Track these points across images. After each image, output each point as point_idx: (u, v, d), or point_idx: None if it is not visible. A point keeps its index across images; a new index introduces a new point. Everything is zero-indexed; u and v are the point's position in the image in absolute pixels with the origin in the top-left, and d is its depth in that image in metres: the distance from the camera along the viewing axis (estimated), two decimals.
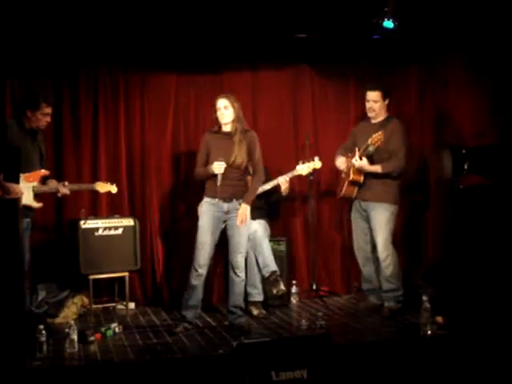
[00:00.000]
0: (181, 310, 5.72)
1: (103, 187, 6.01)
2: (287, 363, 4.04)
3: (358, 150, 5.93)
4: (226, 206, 5.57)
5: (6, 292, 4.60)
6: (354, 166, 5.95)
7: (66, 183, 5.81)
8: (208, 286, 6.03)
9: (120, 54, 6.63)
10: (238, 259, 5.59)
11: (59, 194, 5.76)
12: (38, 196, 5.64)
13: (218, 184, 5.47)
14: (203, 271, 5.57)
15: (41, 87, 6.40)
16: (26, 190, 5.50)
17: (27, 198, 5.52)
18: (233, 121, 5.55)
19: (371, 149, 5.90)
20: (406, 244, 6.94)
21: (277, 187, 6.47)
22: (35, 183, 5.61)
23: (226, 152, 5.51)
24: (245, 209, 5.53)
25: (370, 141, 5.82)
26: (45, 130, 5.78)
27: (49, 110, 5.65)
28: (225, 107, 5.53)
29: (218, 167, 5.45)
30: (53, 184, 5.74)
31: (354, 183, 6.07)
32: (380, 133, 5.81)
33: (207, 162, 5.61)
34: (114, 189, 6.06)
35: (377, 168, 5.93)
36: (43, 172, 5.70)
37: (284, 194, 6.50)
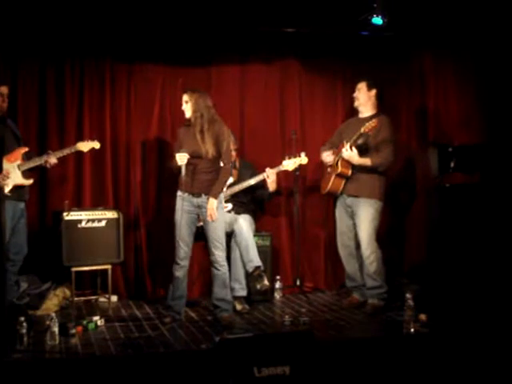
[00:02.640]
0: (167, 302, 5.74)
1: (86, 146, 6.00)
2: (270, 359, 4.01)
3: (347, 143, 5.93)
4: (195, 200, 5.58)
5: None
6: (342, 157, 5.94)
7: (50, 151, 5.84)
8: (191, 280, 6.02)
9: (107, 43, 6.61)
10: (215, 253, 5.57)
11: (48, 165, 5.78)
12: (25, 173, 5.67)
13: (182, 175, 5.52)
14: (184, 263, 5.63)
15: (26, 72, 6.41)
16: (12, 170, 5.51)
17: (16, 178, 5.57)
18: (192, 114, 5.55)
19: (362, 139, 5.89)
20: (391, 241, 6.93)
21: (263, 182, 6.44)
22: (18, 161, 5.64)
23: (190, 143, 5.54)
24: (211, 203, 5.48)
25: (363, 129, 5.81)
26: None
27: (1, 90, 5.63)
28: (185, 102, 5.60)
29: (180, 158, 5.49)
30: (37, 158, 5.75)
31: (341, 176, 6.06)
32: (374, 120, 5.83)
33: None
34: (96, 144, 6.05)
35: (366, 160, 5.92)
36: (23, 149, 5.73)
37: (271, 189, 6.47)
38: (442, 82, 7.12)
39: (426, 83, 7.16)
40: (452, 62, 7.06)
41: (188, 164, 5.52)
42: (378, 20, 6.16)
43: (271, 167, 6.42)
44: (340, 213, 6.27)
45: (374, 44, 6.95)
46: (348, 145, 5.88)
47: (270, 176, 6.35)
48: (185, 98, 5.60)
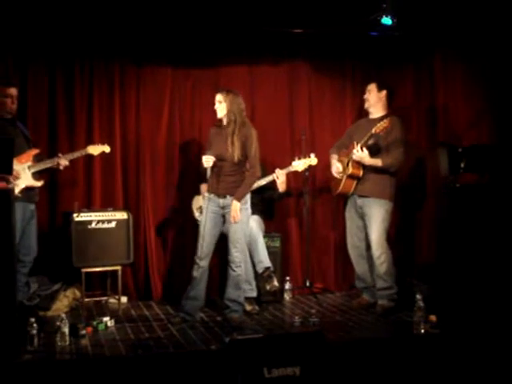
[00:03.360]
0: (181, 301, 5.75)
1: (96, 149, 6.02)
2: (280, 360, 4.01)
3: (357, 144, 5.92)
4: (221, 201, 5.60)
5: None
6: (352, 159, 5.93)
7: (60, 155, 5.87)
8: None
9: (116, 46, 6.61)
10: (233, 254, 5.58)
11: (60, 167, 5.82)
12: (36, 175, 5.71)
13: (208, 176, 5.61)
14: (203, 264, 5.61)
15: (35, 74, 6.44)
16: (23, 172, 5.55)
17: (26, 179, 5.61)
18: (226, 115, 5.55)
19: (373, 140, 5.89)
20: (401, 242, 6.92)
21: (272, 183, 6.43)
22: (29, 163, 5.68)
23: (219, 145, 5.56)
24: (235, 205, 5.51)
25: (374, 130, 5.82)
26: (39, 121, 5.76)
27: (11, 92, 5.66)
28: (218, 101, 5.57)
29: (206, 161, 5.54)
30: (48, 160, 5.80)
31: (352, 177, 6.05)
32: (385, 121, 5.83)
33: None
34: (107, 148, 6.08)
35: (377, 161, 5.91)
36: (34, 150, 5.76)
37: (281, 190, 6.46)
38: (452, 82, 7.09)
39: (436, 84, 7.14)
40: (461, 62, 7.03)
41: (214, 166, 5.57)
42: (387, 20, 6.14)
43: (281, 168, 6.41)
44: (350, 213, 6.26)
45: (383, 45, 6.94)
46: (359, 146, 5.87)
47: (279, 177, 6.35)
48: (218, 97, 5.57)
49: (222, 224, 5.67)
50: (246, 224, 5.68)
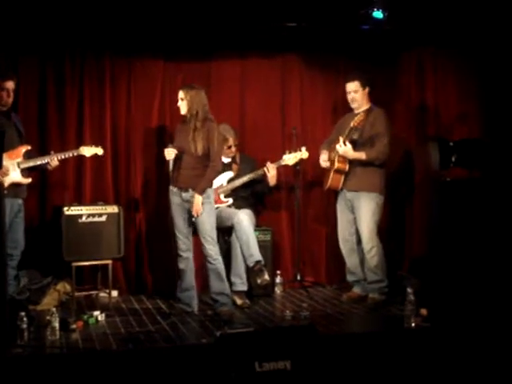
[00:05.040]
0: (176, 294, 5.85)
1: (89, 151, 6.00)
2: (271, 354, 4.00)
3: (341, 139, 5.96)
4: (183, 195, 5.69)
5: None
6: (338, 153, 5.95)
7: (52, 152, 5.85)
8: None
9: (107, 39, 6.57)
10: (206, 247, 5.66)
11: (49, 167, 5.81)
12: (25, 172, 5.68)
13: (170, 170, 5.73)
14: (187, 255, 5.75)
15: (25, 68, 6.41)
16: (12, 167, 5.53)
17: (14, 175, 5.57)
18: (188, 111, 5.63)
19: (355, 133, 5.94)
20: (391, 236, 6.93)
21: (263, 177, 6.43)
22: (19, 159, 5.65)
23: (182, 140, 5.68)
24: (196, 199, 5.58)
25: (353, 123, 5.91)
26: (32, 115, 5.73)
27: (7, 85, 5.64)
28: (180, 99, 5.68)
29: (168, 153, 5.69)
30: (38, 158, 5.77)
31: (339, 172, 6.08)
32: (361, 113, 5.96)
33: None
34: (99, 150, 6.06)
35: (361, 154, 5.94)
36: (25, 147, 5.73)
37: (271, 184, 6.46)
38: (442, 76, 7.09)
39: (426, 78, 7.14)
40: (451, 57, 7.03)
41: (176, 159, 5.68)
42: (378, 14, 6.14)
43: (272, 162, 6.41)
44: (341, 207, 6.27)
45: (374, 39, 6.92)
46: (341, 140, 5.89)
47: (270, 170, 6.34)
48: (180, 94, 5.67)
49: (190, 216, 5.70)
50: (213, 216, 5.74)
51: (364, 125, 6.01)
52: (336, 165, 6.03)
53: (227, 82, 6.94)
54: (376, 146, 5.96)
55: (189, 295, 5.79)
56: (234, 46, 6.89)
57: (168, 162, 5.77)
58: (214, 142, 5.60)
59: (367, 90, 6.13)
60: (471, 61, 6.94)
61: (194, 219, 5.68)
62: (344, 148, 5.89)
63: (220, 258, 5.72)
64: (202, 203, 5.58)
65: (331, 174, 6.13)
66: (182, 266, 5.75)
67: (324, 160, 6.25)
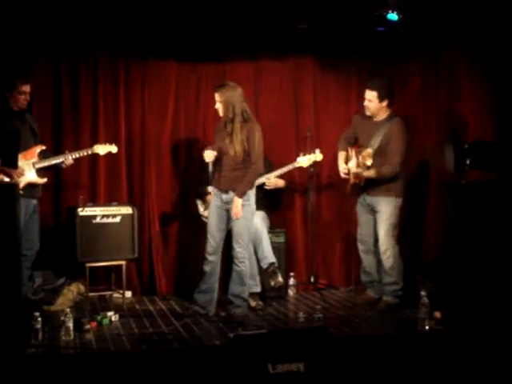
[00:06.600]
0: (194, 294, 5.82)
1: (103, 149, 6.03)
2: (284, 355, 4.01)
3: (359, 147, 5.98)
4: (223, 196, 5.64)
5: (3, 278, 4.58)
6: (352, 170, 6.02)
7: (67, 151, 5.89)
8: None
9: (121, 40, 6.58)
10: (236, 249, 5.61)
11: (64, 165, 5.85)
12: (40, 172, 5.72)
13: (210, 172, 5.73)
14: (213, 258, 5.69)
15: (40, 70, 6.44)
16: (27, 167, 5.57)
17: (30, 175, 5.61)
18: (224, 114, 5.57)
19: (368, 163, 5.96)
20: (406, 238, 6.89)
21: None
22: (34, 159, 5.68)
23: (221, 141, 5.61)
24: (236, 201, 5.53)
25: (361, 159, 5.91)
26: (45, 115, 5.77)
27: (26, 88, 5.69)
28: (217, 101, 5.59)
29: (207, 156, 5.65)
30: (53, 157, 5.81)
31: (355, 186, 6.10)
32: (384, 125, 5.93)
33: None
34: (114, 148, 6.08)
35: (372, 174, 5.91)
36: (40, 147, 5.77)
37: (280, 186, 6.52)
38: (457, 78, 7.04)
39: (441, 80, 7.10)
40: (467, 58, 6.98)
41: (216, 160, 5.65)
42: (393, 16, 6.12)
43: (285, 164, 6.45)
44: (360, 209, 6.26)
45: (389, 41, 6.90)
46: (354, 162, 5.93)
47: (269, 184, 6.40)
48: (216, 97, 5.58)
49: (228, 218, 5.67)
50: (250, 220, 5.68)
51: (380, 135, 5.98)
52: (352, 180, 6.06)
53: (241, 84, 6.87)
54: (387, 165, 5.92)
55: (206, 298, 5.74)
56: (248, 48, 6.88)
57: (207, 164, 5.76)
58: (255, 144, 5.53)
59: (385, 103, 6.02)
60: (487, 61, 6.89)
61: (231, 221, 5.63)
62: (356, 170, 5.93)
63: (247, 262, 5.67)
64: (242, 205, 5.53)
65: (348, 186, 6.17)
66: (206, 268, 5.69)
67: (344, 173, 6.18)
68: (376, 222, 6.07)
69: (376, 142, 5.95)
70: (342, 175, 6.20)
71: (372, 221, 6.14)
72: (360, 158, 5.93)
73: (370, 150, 5.94)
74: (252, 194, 5.65)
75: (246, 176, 5.55)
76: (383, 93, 5.98)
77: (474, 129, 6.81)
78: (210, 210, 5.74)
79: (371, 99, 6.00)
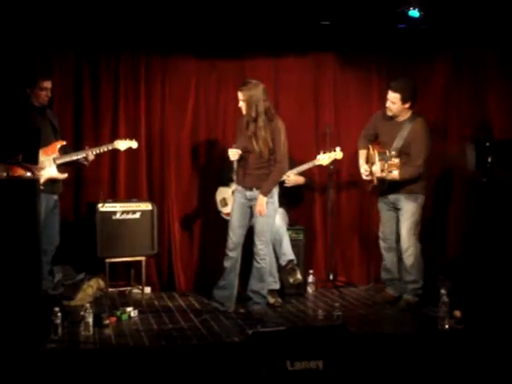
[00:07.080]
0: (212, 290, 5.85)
1: (124, 144, 6.06)
2: (303, 353, 4.00)
3: (379, 144, 5.97)
4: (247, 193, 5.65)
5: (23, 273, 4.61)
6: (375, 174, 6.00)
7: (87, 147, 5.92)
8: None
9: (142, 38, 6.59)
10: (258, 246, 5.62)
11: (86, 162, 5.89)
12: (61, 167, 5.75)
13: (235, 169, 5.70)
14: (233, 254, 5.70)
15: (61, 66, 6.48)
16: (48, 163, 5.60)
17: (50, 171, 5.65)
18: (247, 113, 5.55)
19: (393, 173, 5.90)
20: (427, 237, 6.85)
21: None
22: (55, 155, 5.72)
23: (246, 140, 5.59)
24: (261, 199, 5.54)
25: (387, 166, 5.81)
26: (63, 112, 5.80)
27: (47, 85, 5.73)
28: (241, 100, 5.57)
29: (232, 154, 5.63)
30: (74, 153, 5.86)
31: (377, 187, 6.10)
32: (406, 125, 5.87)
33: None
34: (134, 144, 6.12)
35: (395, 176, 5.85)
36: (60, 142, 5.81)
37: (300, 183, 6.53)
38: (480, 76, 7.00)
39: (463, 78, 7.05)
40: (489, 56, 6.94)
41: (240, 159, 5.63)
42: (414, 13, 6.08)
43: (305, 161, 6.45)
44: (382, 206, 6.22)
45: (410, 38, 6.86)
46: (379, 167, 5.87)
47: (288, 181, 6.37)
48: (239, 96, 5.56)
49: (250, 215, 5.68)
50: (273, 218, 5.70)
51: (404, 136, 5.94)
52: (375, 182, 6.06)
53: (261, 81, 6.91)
54: (410, 166, 5.85)
55: (225, 294, 5.76)
56: (268, 45, 6.85)
57: (232, 162, 5.73)
58: (280, 142, 5.53)
59: (408, 104, 5.93)
60: (509, 61, 6.84)
61: (253, 218, 5.65)
62: (380, 174, 5.89)
63: (268, 260, 5.69)
64: (266, 203, 5.55)
65: (370, 187, 6.20)
66: (226, 264, 5.71)
67: (366, 176, 6.15)
68: (398, 219, 6.04)
69: (399, 142, 5.89)
70: (364, 177, 6.17)
71: (394, 218, 6.11)
72: (386, 165, 5.83)
73: (397, 161, 5.84)
74: (276, 191, 5.67)
75: (272, 174, 5.57)
76: (407, 95, 5.88)
77: (496, 126, 6.76)
78: (233, 206, 5.76)
79: (394, 101, 5.90)
